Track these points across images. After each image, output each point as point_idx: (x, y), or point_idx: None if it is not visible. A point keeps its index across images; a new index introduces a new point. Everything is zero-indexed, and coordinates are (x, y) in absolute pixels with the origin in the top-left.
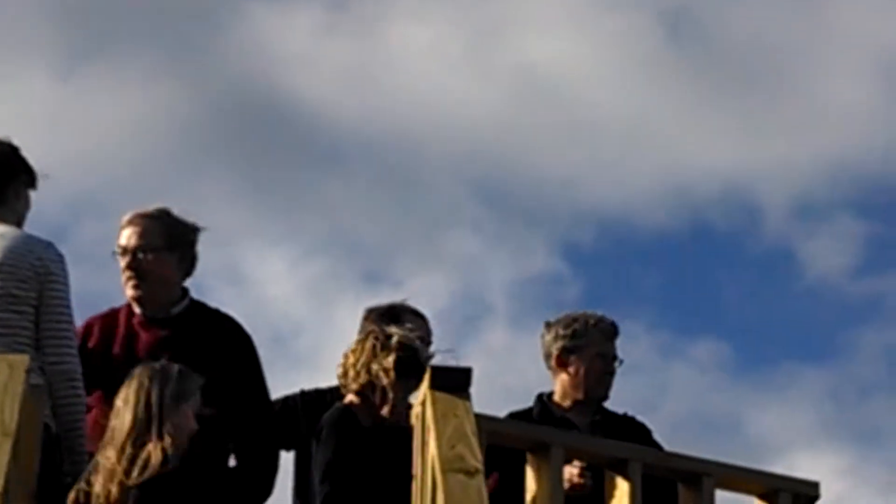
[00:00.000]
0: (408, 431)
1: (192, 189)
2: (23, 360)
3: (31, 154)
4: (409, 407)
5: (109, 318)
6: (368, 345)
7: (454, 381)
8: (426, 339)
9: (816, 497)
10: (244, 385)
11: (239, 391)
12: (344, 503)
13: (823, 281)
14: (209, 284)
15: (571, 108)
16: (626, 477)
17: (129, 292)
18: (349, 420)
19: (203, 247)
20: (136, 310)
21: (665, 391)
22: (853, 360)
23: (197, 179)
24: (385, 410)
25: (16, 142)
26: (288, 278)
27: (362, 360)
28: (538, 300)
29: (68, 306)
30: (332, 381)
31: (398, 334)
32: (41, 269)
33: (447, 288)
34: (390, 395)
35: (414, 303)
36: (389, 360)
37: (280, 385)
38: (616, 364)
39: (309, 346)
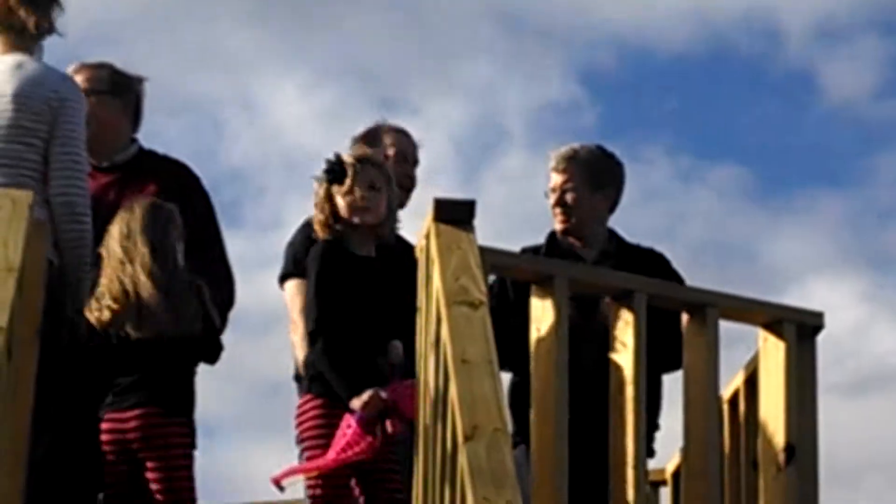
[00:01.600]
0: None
1: (203, 14)
2: (27, 195)
3: None
4: (396, 221)
5: None
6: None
7: (458, 214)
8: (410, 155)
9: (820, 327)
10: (198, 225)
11: (192, 232)
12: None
13: (844, 104)
14: (221, 113)
15: None
16: (631, 308)
17: None
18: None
19: (214, 74)
20: None
21: (684, 218)
22: (873, 185)
23: (206, 6)
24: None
25: None
26: (301, 105)
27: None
28: (556, 126)
29: (81, 141)
30: None
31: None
32: (55, 101)
33: (464, 114)
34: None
35: (430, 129)
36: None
37: (295, 214)
38: (546, 195)
39: None
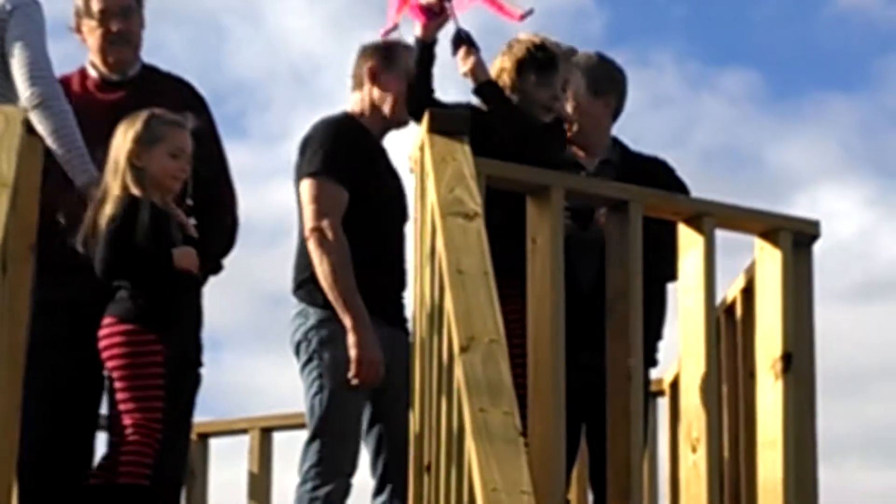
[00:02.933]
0: None
1: None
2: (20, 110)
3: None
4: None
5: (63, 82)
6: None
7: (453, 125)
8: None
9: (817, 236)
10: (202, 144)
11: (197, 151)
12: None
13: (855, 6)
14: (225, 22)
15: None
16: (626, 218)
17: (114, 56)
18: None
19: None
20: (92, 73)
21: (694, 123)
22: (884, 90)
23: None
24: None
25: None
26: (307, 13)
27: None
28: (562, 33)
29: (32, 41)
30: None
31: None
32: (3, 14)
33: (470, 21)
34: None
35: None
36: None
37: (303, 124)
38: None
39: (330, 84)
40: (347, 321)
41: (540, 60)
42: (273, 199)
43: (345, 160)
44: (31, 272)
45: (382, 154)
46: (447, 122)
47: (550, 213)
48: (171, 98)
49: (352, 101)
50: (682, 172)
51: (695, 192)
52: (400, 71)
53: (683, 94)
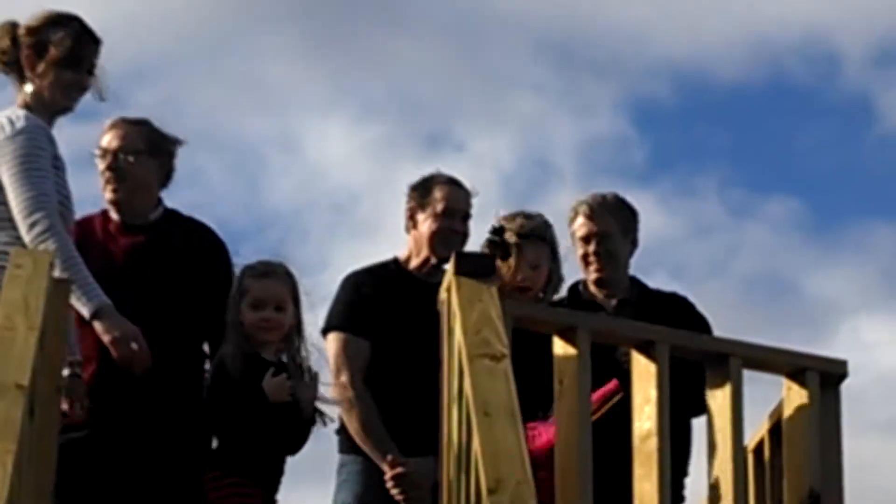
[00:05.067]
0: None
1: (245, 47)
2: (48, 254)
3: (90, 14)
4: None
5: (85, 223)
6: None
7: (479, 267)
8: (460, 210)
9: (844, 375)
10: (218, 293)
11: (213, 298)
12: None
13: None
14: (263, 152)
15: None
16: (653, 358)
17: (108, 195)
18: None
19: (256, 114)
20: (114, 216)
21: (736, 251)
22: None
23: (253, 39)
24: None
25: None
26: (345, 143)
27: None
28: (605, 162)
29: (18, 168)
30: (395, 248)
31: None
32: None
33: (511, 150)
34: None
35: (478, 165)
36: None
37: (342, 254)
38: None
39: (369, 214)
40: (385, 467)
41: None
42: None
43: (367, 311)
44: (58, 413)
45: (423, 297)
46: (474, 264)
47: (577, 354)
48: (192, 243)
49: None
50: (723, 301)
51: (736, 321)
52: (434, 208)
53: (726, 221)
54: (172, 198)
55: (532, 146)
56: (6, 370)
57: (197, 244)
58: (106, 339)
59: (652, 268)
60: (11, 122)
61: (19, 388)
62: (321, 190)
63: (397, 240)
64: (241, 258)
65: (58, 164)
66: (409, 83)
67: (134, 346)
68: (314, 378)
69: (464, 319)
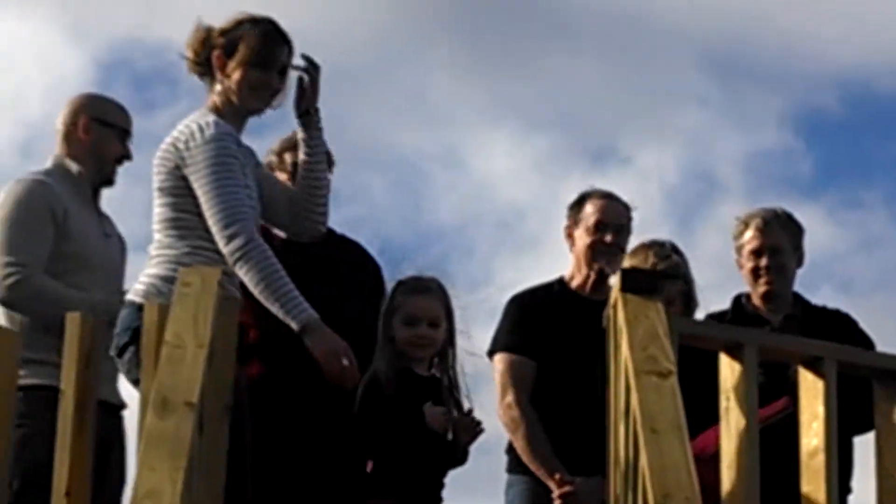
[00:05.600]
0: None
1: (416, 65)
2: (215, 271)
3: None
4: None
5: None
6: None
7: (645, 284)
8: (613, 223)
9: None
10: (372, 316)
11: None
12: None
13: None
14: (427, 168)
15: None
16: (820, 375)
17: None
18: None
19: (420, 130)
20: (278, 232)
21: None
22: None
23: (419, 55)
24: None
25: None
26: (510, 158)
27: None
28: (770, 174)
29: (211, 177)
30: (559, 264)
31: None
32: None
33: (676, 163)
34: None
35: (642, 178)
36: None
37: (507, 270)
38: (741, 259)
39: (534, 229)
40: (552, 486)
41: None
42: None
43: (532, 332)
44: (226, 431)
45: (587, 315)
46: (640, 281)
47: (744, 370)
48: (347, 259)
49: None
50: (891, 314)
51: None
52: (587, 223)
53: (894, 234)
54: (336, 214)
55: (697, 159)
56: (176, 388)
57: (352, 260)
58: (316, 353)
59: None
60: (201, 130)
61: (188, 405)
62: (485, 205)
63: (561, 256)
64: (403, 274)
65: (246, 172)
66: (574, 97)
67: (345, 361)
68: (475, 422)
69: (630, 336)
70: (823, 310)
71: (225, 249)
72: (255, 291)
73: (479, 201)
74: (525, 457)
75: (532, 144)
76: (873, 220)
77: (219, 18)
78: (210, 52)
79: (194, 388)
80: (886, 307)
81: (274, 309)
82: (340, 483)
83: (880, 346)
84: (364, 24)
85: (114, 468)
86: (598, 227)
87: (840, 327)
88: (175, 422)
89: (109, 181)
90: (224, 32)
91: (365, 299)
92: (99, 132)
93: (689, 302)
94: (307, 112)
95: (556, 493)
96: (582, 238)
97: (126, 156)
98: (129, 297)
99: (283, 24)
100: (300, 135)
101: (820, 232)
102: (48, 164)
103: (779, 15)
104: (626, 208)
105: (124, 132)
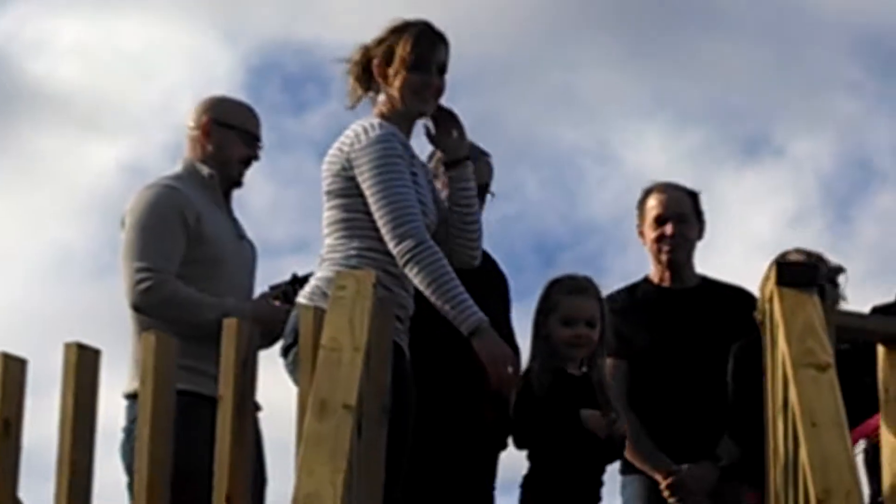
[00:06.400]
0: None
1: (564, 57)
2: (369, 274)
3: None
4: None
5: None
6: None
7: (801, 277)
8: (673, 214)
9: None
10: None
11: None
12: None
13: None
14: (580, 163)
15: None
16: None
17: None
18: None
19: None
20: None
21: None
22: None
23: (570, 48)
24: None
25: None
26: (663, 151)
27: None
28: None
29: (378, 178)
30: (712, 258)
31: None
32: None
33: (831, 153)
34: None
35: (797, 169)
36: None
37: None
38: None
39: None
40: (659, 478)
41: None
42: None
43: (621, 332)
44: (384, 435)
45: (673, 306)
46: (796, 274)
47: None
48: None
49: None
50: None
51: None
52: (649, 217)
53: None
54: (492, 212)
55: (852, 148)
56: (334, 391)
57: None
58: (483, 357)
59: None
60: (366, 131)
61: (347, 408)
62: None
63: (714, 248)
64: (558, 269)
65: (415, 171)
66: (726, 88)
67: (510, 369)
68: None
69: (787, 329)
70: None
71: (395, 251)
72: (427, 293)
73: (634, 195)
74: (629, 455)
75: (686, 136)
76: None
77: (362, 15)
78: (370, 64)
79: (352, 391)
80: None
81: (444, 311)
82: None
83: None
84: (514, 18)
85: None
86: (659, 221)
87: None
88: (334, 425)
89: (237, 183)
90: (380, 41)
91: (499, 309)
92: (219, 133)
93: None
94: (457, 161)
95: (662, 484)
96: (648, 234)
97: (253, 156)
98: (298, 299)
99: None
100: (450, 173)
101: None
102: (178, 168)
103: None
104: (689, 195)
105: (246, 133)
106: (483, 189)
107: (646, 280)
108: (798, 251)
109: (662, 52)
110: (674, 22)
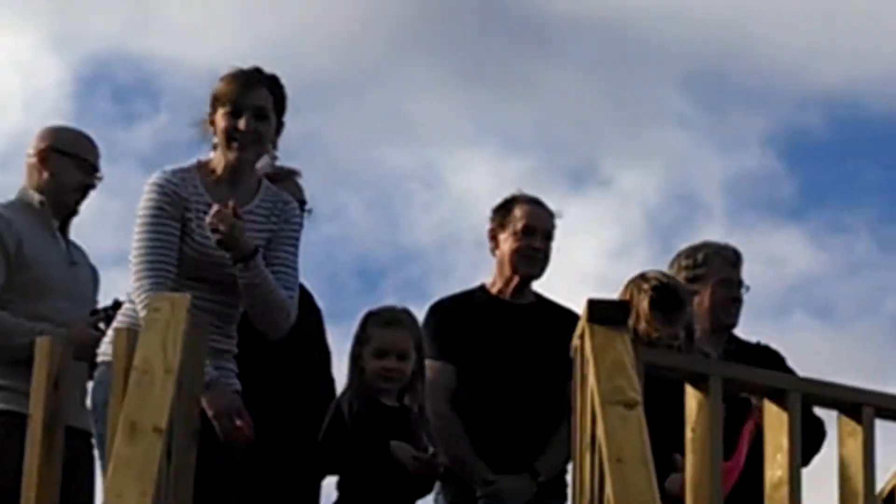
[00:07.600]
0: None
1: (393, 81)
2: (184, 297)
3: (234, 49)
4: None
5: None
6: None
7: (612, 314)
8: (541, 229)
9: None
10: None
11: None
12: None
13: None
14: (406, 188)
15: None
16: (785, 407)
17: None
18: None
19: (398, 148)
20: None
21: (888, 290)
22: None
23: (397, 71)
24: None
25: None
26: (489, 177)
27: None
28: (754, 197)
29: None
30: (541, 285)
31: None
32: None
33: (657, 185)
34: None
35: (623, 201)
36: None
37: None
38: (742, 291)
39: None
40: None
41: (668, 301)
42: None
43: (452, 337)
44: (194, 460)
45: (508, 318)
46: (607, 311)
47: (709, 402)
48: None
49: None
50: (872, 341)
51: (886, 360)
52: (514, 227)
53: (878, 260)
54: (314, 233)
55: (678, 181)
56: (144, 413)
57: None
58: (210, 410)
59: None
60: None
61: (157, 431)
62: (465, 225)
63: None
64: (382, 294)
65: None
66: (553, 117)
67: (238, 422)
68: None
69: (597, 367)
70: (756, 346)
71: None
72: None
73: (459, 220)
74: (448, 461)
75: (512, 164)
76: (857, 245)
77: (196, 29)
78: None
79: (163, 414)
80: (866, 333)
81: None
82: None
83: (857, 374)
84: (339, 40)
85: (77, 491)
86: (526, 232)
87: (769, 363)
88: (143, 448)
89: (73, 211)
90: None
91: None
92: (56, 161)
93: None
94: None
95: (479, 493)
96: (508, 242)
97: (90, 185)
98: (115, 323)
99: (257, 44)
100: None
101: (802, 255)
102: (13, 196)
103: (762, 34)
104: (551, 215)
105: (84, 161)
106: (301, 206)
107: (482, 288)
108: (660, 272)
109: (492, 77)
110: (505, 48)
